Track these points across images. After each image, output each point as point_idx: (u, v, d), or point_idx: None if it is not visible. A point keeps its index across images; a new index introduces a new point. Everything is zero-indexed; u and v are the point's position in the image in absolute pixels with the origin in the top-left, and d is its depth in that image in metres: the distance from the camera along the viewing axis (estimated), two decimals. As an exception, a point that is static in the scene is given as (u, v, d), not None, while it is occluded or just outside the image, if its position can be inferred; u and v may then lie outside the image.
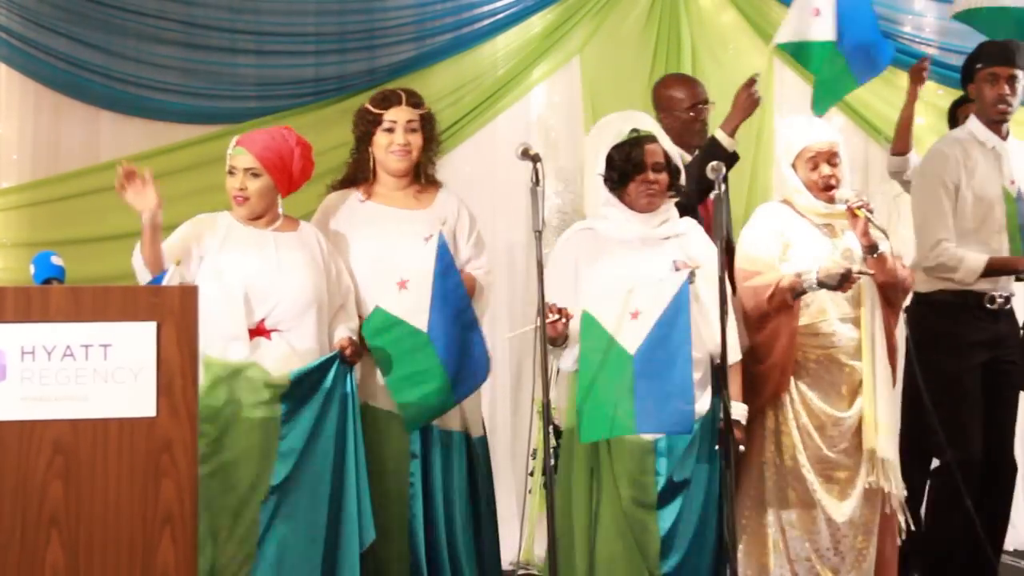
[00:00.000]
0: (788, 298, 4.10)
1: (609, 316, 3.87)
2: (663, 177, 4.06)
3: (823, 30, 4.91)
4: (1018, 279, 4.85)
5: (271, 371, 3.92)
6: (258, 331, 3.96)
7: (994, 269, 4.74)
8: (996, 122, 4.87)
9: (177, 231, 4.07)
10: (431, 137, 4.34)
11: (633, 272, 3.97)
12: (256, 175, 4.01)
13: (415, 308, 4.01)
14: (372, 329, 4.06)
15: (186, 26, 5.53)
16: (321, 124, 5.59)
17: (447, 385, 4.04)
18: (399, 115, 4.26)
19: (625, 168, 4.03)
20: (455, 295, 4.04)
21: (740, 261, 4.25)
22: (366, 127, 4.30)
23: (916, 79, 5.35)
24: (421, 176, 4.34)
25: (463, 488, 4.28)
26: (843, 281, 4.04)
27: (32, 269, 3.34)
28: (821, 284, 4.06)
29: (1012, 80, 4.84)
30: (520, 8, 5.88)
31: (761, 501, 4.19)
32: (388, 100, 4.29)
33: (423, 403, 4.05)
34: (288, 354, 3.96)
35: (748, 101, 4.81)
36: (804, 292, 4.10)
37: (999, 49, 4.91)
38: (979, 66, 4.90)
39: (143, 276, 3.90)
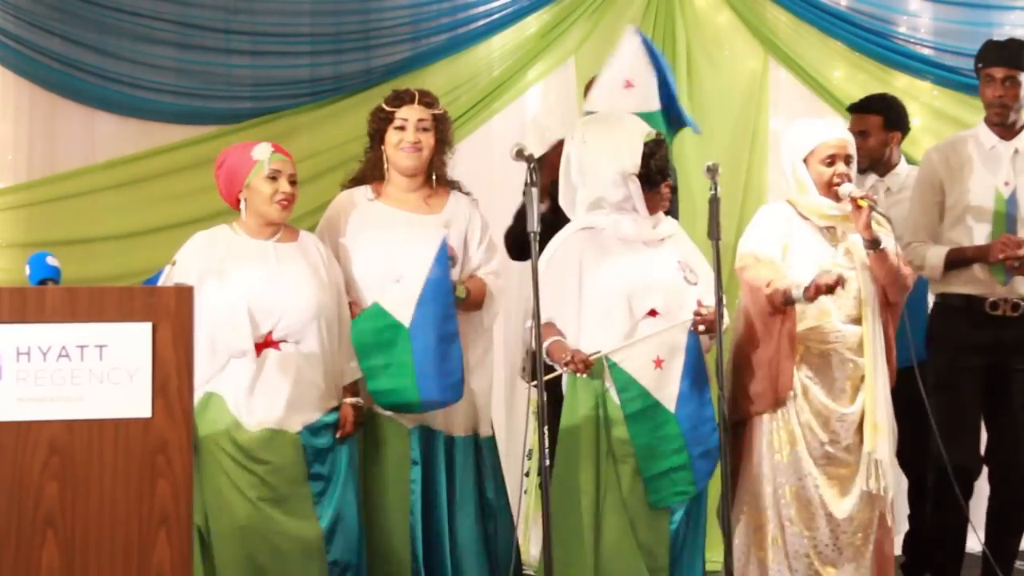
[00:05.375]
0: (778, 301, 4.09)
1: (619, 317, 3.98)
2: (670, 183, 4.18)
3: (639, 102, 4.64)
4: None
5: (280, 381, 3.96)
6: (266, 343, 3.98)
7: (954, 260, 4.71)
8: (996, 124, 4.83)
9: (182, 255, 4.06)
10: (443, 138, 4.36)
11: (640, 272, 4.03)
12: (293, 183, 4.07)
13: (404, 301, 4.06)
14: (362, 318, 4.10)
15: (181, 26, 5.52)
16: (317, 125, 5.59)
17: (414, 385, 4.06)
18: (411, 113, 4.28)
19: (664, 169, 4.07)
20: (444, 301, 4.09)
21: (741, 259, 4.27)
22: (379, 125, 4.32)
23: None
24: (432, 179, 4.35)
25: (470, 492, 4.29)
26: (811, 291, 4.04)
27: (27, 270, 3.33)
28: (805, 297, 4.06)
29: (1008, 81, 4.79)
30: (516, 8, 5.87)
31: (760, 496, 4.18)
32: (401, 99, 4.32)
33: (392, 395, 4.10)
34: (296, 358, 3.99)
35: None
36: (792, 302, 4.08)
37: (996, 48, 4.89)
38: (980, 66, 4.89)
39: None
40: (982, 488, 4.95)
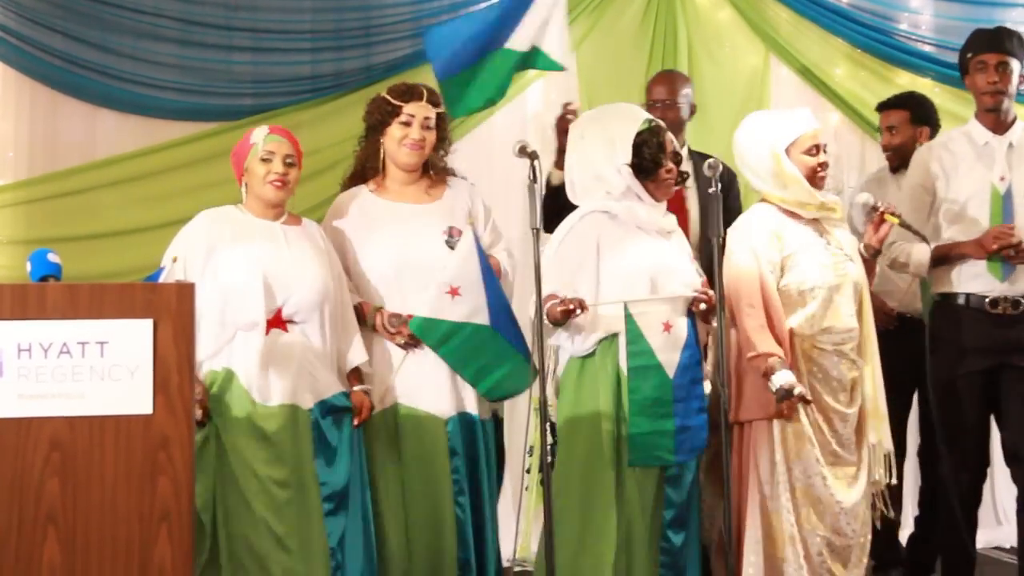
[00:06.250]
0: (758, 370, 4.10)
1: (642, 295, 4.01)
2: (674, 168, 4.15)
3: None
4: None
5: (286, 361, 3.95)
6: (276, 322, 3.97)
7: (940, 257, 4.68)
8: (990, 111, 4.78)
9: (186, 230, 4.06)
10: (444, 136, 4.36)
11: (663, 258, 4.08)
12: (291, 164, 4.06)
13: (474, 310, 4.10)
14: (436, 339, 4.12)
15: (183, 23, 5.52)
16: (317, 121, 5.59)
17: (521, 362, 4.13)
18: (418, 110, 4.26)
19: (657, 157, 4.06)
20: (495, 281, 4.18)
21: (737, 280, 4.18)
22: (382, 116, 4.29)
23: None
24: (430, 170, 4.34)
25: (490, 475, 4.32)
26: (783, 407, 4.08)
27: (29, 266, 3.33)
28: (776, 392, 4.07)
29: (1002, 67, 4.75)
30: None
31: (773, 497, 4.15)
32: (410, 93, 4.29)
33: (502, 384, 4.17)
34: (301, 340, 3.99)
35: (561, 124, 4.77)
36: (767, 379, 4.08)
37: (988, 36, 4.85)
38: (969, 55, 4.84)
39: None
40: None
